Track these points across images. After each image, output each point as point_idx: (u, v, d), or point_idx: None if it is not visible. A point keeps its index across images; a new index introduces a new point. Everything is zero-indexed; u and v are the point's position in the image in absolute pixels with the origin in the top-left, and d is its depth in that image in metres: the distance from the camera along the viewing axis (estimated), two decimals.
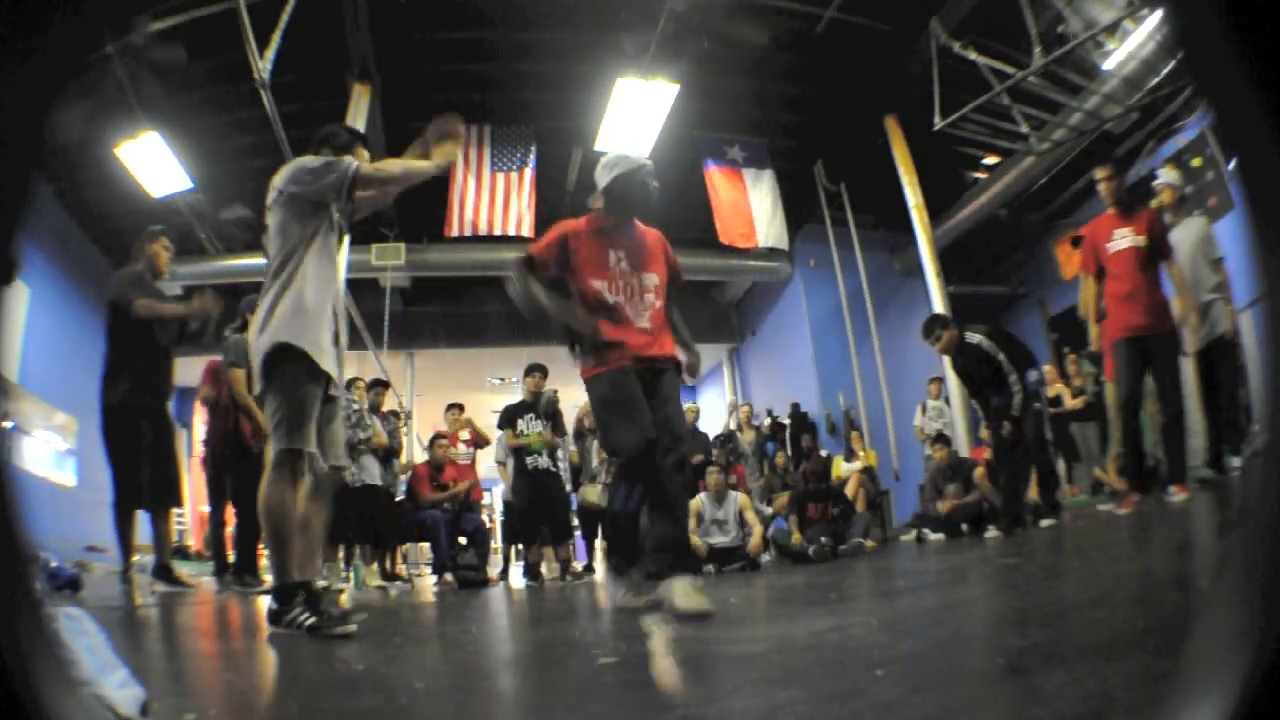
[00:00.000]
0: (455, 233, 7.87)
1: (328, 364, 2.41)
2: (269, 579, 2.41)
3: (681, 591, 2.40)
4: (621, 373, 2.68)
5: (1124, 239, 4.20)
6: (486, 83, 7.82)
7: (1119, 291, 4.16)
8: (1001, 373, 5.05)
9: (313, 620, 2.22)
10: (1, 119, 0.45)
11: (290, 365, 2.36)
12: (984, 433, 6.03)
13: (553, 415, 6.21)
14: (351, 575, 5.64)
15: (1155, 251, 4.18)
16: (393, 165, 2.65)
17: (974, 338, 5.22)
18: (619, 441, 2.66)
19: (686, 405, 8.41)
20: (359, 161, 2.52)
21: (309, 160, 2.54)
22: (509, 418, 6.19)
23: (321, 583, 5.27)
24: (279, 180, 2.52)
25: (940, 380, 8.06)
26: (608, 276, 2.80)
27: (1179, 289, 4.28)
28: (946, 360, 5.68)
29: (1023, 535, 4.78)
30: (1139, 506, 4.02)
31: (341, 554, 5.75)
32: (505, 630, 2.81)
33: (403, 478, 6.54)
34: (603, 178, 2.88)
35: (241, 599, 4.24)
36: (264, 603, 2.61)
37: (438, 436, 6.51)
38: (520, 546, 6.55)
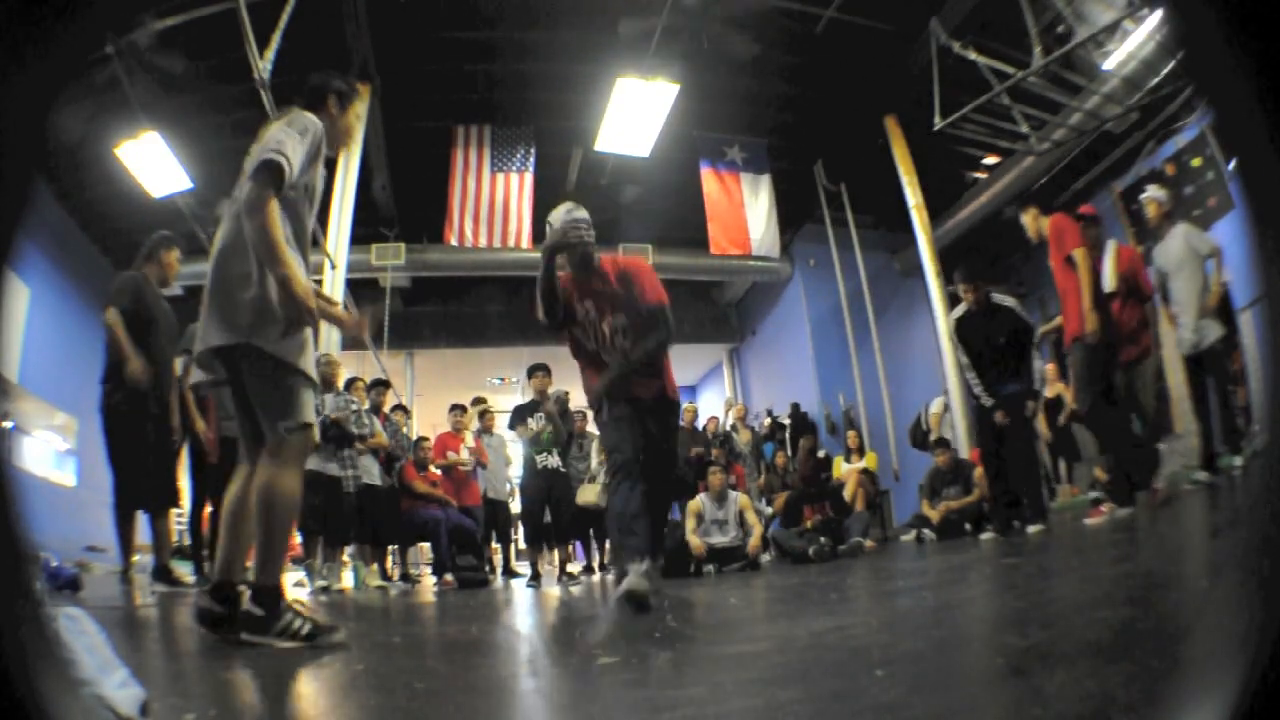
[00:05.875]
0: (454, 242, 7.91)
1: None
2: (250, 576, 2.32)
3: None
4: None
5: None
6: (486, 82, 7.82)
7: None
8: (1027, 351, 4.57)
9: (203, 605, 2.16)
10: (3, 119, 0.45)
11: None
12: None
13: (564, 414, 6.22)
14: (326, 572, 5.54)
15: None
16: (281, 241, 2.04)
17: (1005, 300, 4.66)
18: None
19: (685, 405, 8.44)
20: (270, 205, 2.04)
21: (278, 139, 2.17)
22: (520, 416, 6.20)
23: (321, 582, 5.30)
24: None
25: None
26: (580, 327, 3.02)
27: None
28: (950, 323, 4.98)
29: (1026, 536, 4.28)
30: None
31: (345, 554, 5.74)
32: (505, 630, 2.81)
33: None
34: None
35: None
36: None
37: (422, 439, 6.69)
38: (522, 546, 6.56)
